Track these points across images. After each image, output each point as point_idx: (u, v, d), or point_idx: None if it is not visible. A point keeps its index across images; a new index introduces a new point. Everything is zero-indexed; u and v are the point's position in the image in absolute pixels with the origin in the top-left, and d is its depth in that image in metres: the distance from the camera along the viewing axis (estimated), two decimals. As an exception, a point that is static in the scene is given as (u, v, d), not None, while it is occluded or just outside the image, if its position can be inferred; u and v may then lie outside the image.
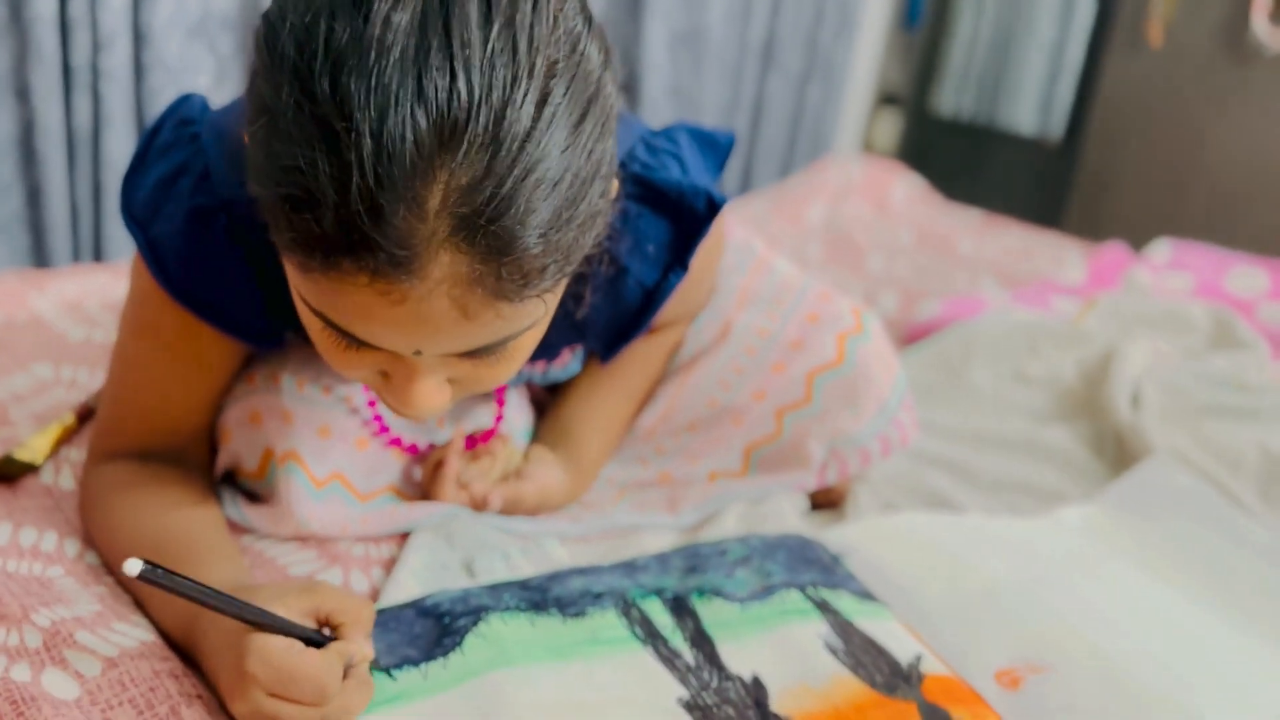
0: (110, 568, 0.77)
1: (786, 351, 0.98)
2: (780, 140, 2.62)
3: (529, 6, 0.56)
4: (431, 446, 0.90)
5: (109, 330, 1.10)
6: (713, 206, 0.83)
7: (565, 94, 0.57)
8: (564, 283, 0.66)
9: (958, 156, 3.18)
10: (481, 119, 0.54)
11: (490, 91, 0.54)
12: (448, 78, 0.53)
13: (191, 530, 0.76)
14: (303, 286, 0.61)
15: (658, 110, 2.16)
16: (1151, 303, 1.60)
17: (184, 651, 0.70)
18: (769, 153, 2.59)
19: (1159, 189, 2.98)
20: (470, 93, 0.53)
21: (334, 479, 0.84)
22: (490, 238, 0.55)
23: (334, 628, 0.67)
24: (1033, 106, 3.17)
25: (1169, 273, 1.84)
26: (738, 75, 2.39)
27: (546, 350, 0.91)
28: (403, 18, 0.53)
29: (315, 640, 0.65)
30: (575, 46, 0.58)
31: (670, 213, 0.83)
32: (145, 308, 0.79)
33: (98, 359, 1.04)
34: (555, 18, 0.57)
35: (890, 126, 3.24)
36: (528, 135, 0.55)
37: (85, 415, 0.94)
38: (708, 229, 0.83)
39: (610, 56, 0.63)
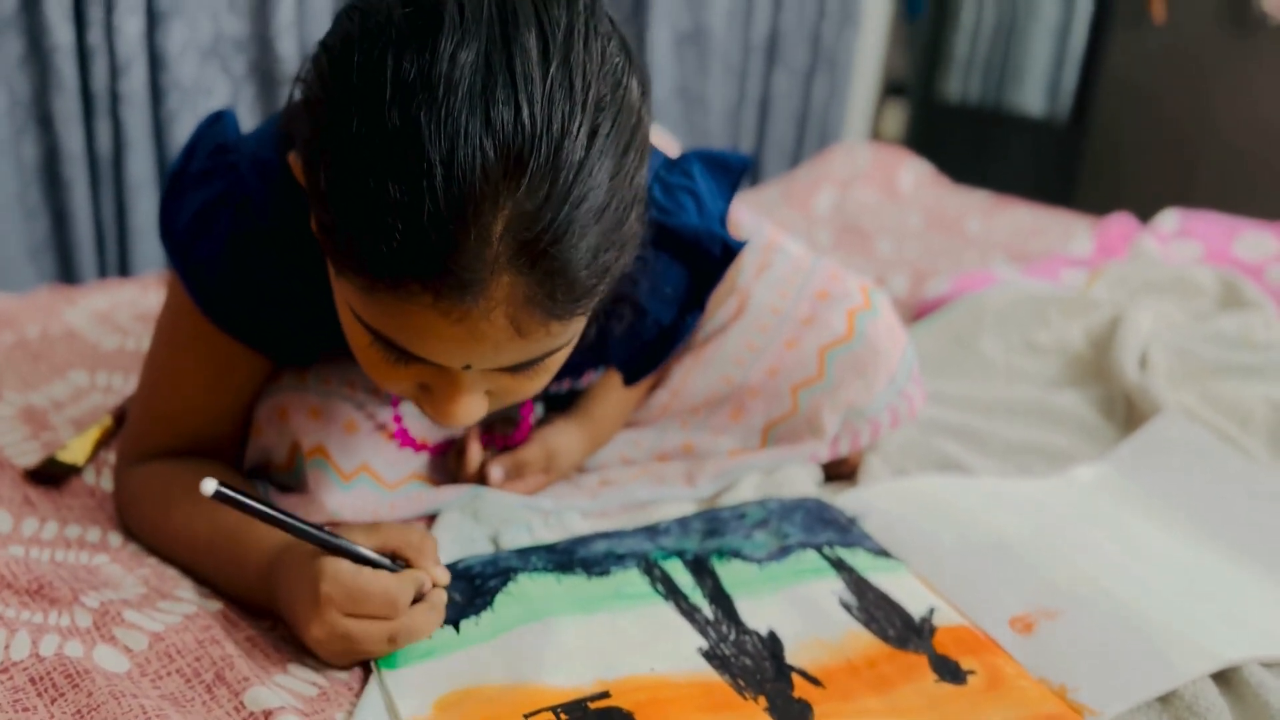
0: (163, 558, 0.80)
1: (798, 328, 1.01)
2: (788, 136, 2.64)
3: (581, 44, 0.60)
4: (450, 442, 0.94)
5: (139, 338, 1.14)
6: (728, 252, 0.86)
7: (612, 127, 0.61)
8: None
9: (967, 142, 3.19)
10: (543, 150, 0.57)
11: (550, 124, 0.57)
12: (513, 110, 0.56)
13: (242, 519, 0.79)
14: (359, 304, 0.64)
15: (665, 111, 2.19)
16: (1159, 268, 1.61)
17: (253, 609, 0.74)
18: (777, 148, 2.61)
19: (1168, 164, 2.98)
20: (533, 125, 0.57)
21: (361, 471, 0.87)
22: (548, 261, 0.59)
23: (404, 560, 0.71)
24: (1039, 88, 3.18)
25: (1177, 241, 1.85)
26: (743, 73, 2.42)
27: (572, 371, 0.95)
28: (468, 55, 0.57)
29: (387, 568, 0.69)
30: (620, 82, 0.62)
31: (687, 258, 0.87)
32: (180, 322, 0.82)
33: (130, 365, 1.08)
34: (603, 54, 0.61)
35: (898, 116, 3.26)
36: (580, 165, 0.59)
37: (121, 417, 0.97)
38: (723, 274, 0.87)
39: (647, 89, 0.67)
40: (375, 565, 0.69)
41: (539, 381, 0.72)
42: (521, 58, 0.57)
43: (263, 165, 0.77)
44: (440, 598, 0.71)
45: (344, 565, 0.67)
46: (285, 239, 0.77)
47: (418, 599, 0.70)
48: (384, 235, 0.57)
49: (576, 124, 0.58)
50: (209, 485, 0.62)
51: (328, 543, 0.68)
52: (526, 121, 0.57)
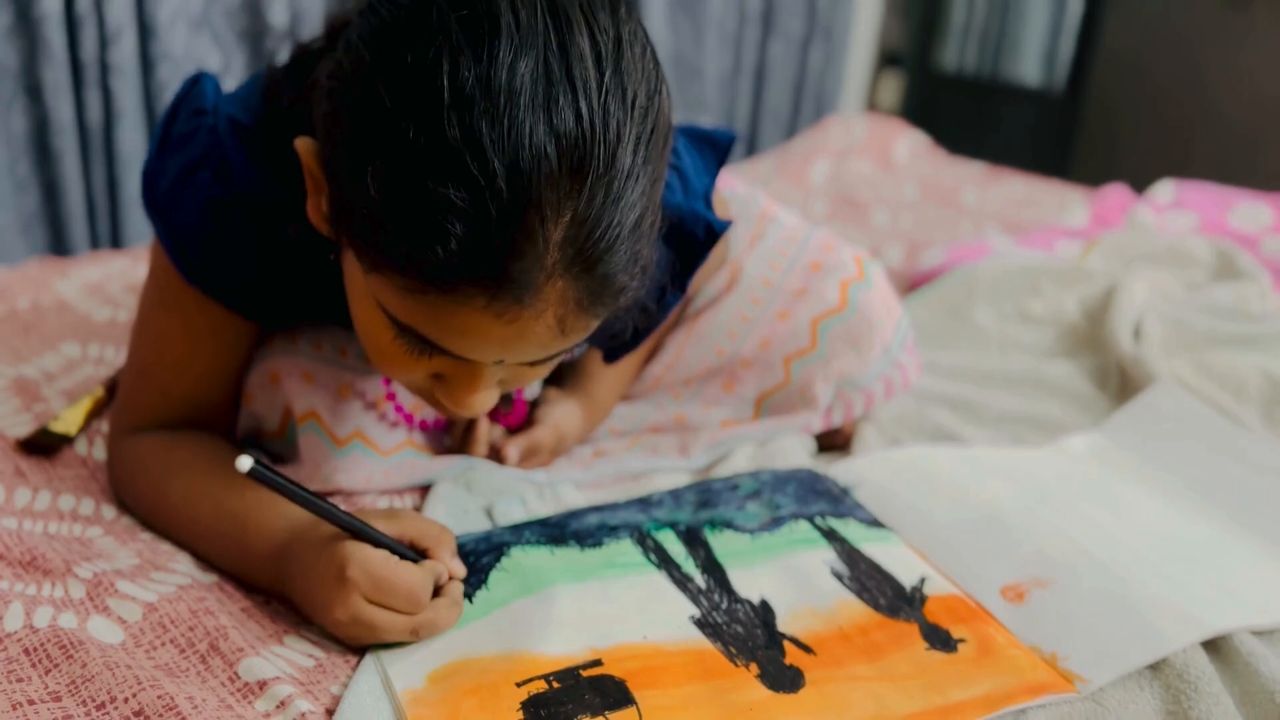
0: (159, 533, 0.80)
1: (791, 300, 1.01)
2: (784, 105, 2.63)
3: (630, 52, 0.60)
4: (440, 421, 0.93)
5: (131, 310, 1.14)
6: (711, 234, 0.86)
7: (651, 134, 0.61)
8: None
9: (963, 112, 3.18)
10: (601, 156, 0.58)
11: (607, 130, 0.58)
12: (573, 117, 0.57)
13: (246, 500, 0.78)
14: (394, 302, 0.63)
15: (659, 80, 2.17)
16: (1154, 239, 1.60)
17: (258, 586, 0.74)
18: (773, 118, 2.60)
19: (1164, 135, 2.97)
20: (593, 131, 0.57)
21: (355, 437, 0.87)
22: (600, 266, 0.60)
23: (420, 550, 0.71)
24: (1035, 59, 3.16)
25: (1172, 212, 1.84)
26: (738, 41, 2.40)
27: None
28: (528, 64, 0.57)
29: (409, 557, 0.69)
30: (656, 89, 0.63)
31: (670, 239, 0.86)
32: (164, 286, 0.82)
33: (122, 337, 1.07)
34: (644, 63, 0.62)
35: (894, 86, 3.24)
36: (628, 172, 0.59)
37: (113, 388, 0.97)
38: (706, 256, 0.87)
39: (670, 96, 0.67)
40: (399, 555, 0.69)
41: (549, 369, 0.73)
42: (579, 65, 0.58)
43: (242, 129, 0.77)
44: (459, 591, 0.71)
45: (371, 552, 0.67)
46: (265, 204, 0.77)
47: (436, 591, 0.70)
48: (442, 240, 0.57)
49: (628, 131, 0.59)
50: (244, 462, 0.61)
51: (354, 528, 0.67)
52: (587, 129, 0.57)
